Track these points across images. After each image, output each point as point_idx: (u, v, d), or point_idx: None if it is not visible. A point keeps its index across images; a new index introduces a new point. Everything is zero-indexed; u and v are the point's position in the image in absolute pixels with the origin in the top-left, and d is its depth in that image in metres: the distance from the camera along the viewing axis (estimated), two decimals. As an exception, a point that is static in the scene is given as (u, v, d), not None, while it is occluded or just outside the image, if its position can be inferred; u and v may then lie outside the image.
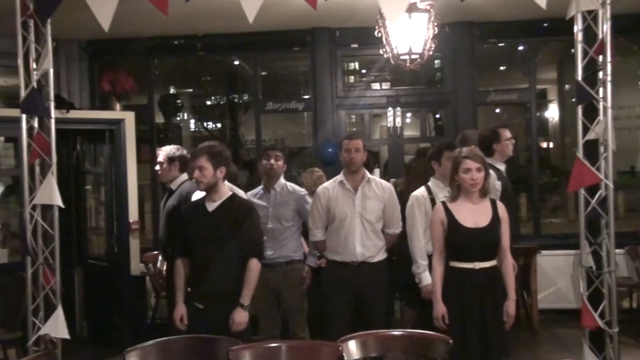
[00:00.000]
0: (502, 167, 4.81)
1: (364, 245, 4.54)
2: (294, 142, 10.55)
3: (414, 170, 5.34)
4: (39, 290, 3.99)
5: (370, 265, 4.54)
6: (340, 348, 2.92)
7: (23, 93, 3.93)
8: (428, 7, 5.28)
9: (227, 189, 4.13)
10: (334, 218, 4.60)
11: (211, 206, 3.97)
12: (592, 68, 3.81)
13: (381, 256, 4.61)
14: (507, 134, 4.84)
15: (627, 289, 6.52)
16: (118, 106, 6.86)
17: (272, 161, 4.95)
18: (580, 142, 3.83)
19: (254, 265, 3.93)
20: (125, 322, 6.35)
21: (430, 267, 4.11)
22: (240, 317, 3.86)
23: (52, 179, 3.93)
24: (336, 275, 4.59)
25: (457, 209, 3.78)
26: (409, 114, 9.25)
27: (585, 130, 3.83)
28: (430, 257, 4.11)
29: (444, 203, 3.85)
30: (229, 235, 3.91)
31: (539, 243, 6.88)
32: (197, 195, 4.25)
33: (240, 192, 4.64)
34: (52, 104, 4.01)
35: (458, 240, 3.74)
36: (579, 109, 3.86)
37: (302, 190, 5.13)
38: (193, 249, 3.97)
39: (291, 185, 5.10)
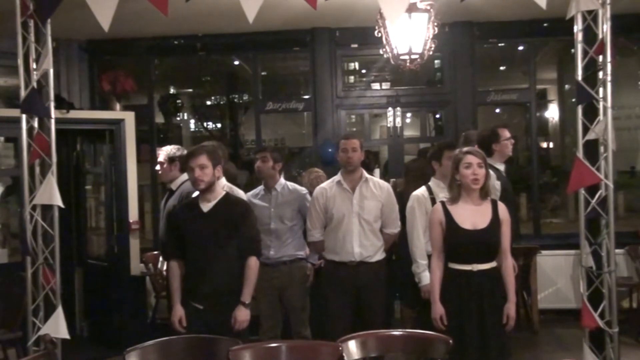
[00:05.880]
0: (501, 167, 4.81)
1: (362, 245, 4.54)
2: (294, 142, 10.57)
3: (413, 171, 5.34)
4: (39, 290, 3.98)
5: (368, 265, 4.54)
6: (340, 348, 2.92)
7: (23, 93, 3.92)
8: (428, 7, 5.28)
9: (221, 188, 4.13)
10: (331, 218, 4.60)
11: (206, 206, 3.96)
12: (592, 68, 3.81)
13: (379, 256, 4.61)
14: (506, 133, 4.84)
15: (627, 289, 6.52)
16: (118, 106, 6.87)
17: (259, 163, 4.98)
18: (580, 142, 3.83)
19: (253, 263, 3.94)
20: (125, 322, 6.35)
21: (430, 267, 4.10)
22: (243, 315, 3.86)
23: (52, 179, 3.93)
24: (335, 275, 4.60)
25: (455, 210, 3.76)
26: (409, 114, 9.26)
27: (585, 130, 3.82)
28: (430, 257, 4.10)
29: (443, 203, 3.84)
30: (227, 235, 3.91)
31: (539, 243, 6.88)
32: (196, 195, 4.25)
33: (240, 193, 4.64)
34: (52, 104, 4.00)
35: (456, 242, 3.73)
36: (579, 109, 3.86)
37: (303, 189, 5.14)
38: (190, 250, 3.95)
39: (291, 185, 5.12)
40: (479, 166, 3.71)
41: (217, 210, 3.94)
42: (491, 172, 4.07)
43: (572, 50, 3.91)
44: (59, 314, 3.93)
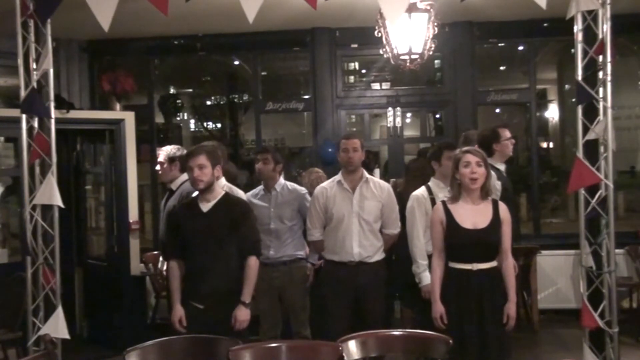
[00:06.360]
0: (502, 167, 4.81)
1: (362, 245, 4.53)
2: (294, 142, 10.56)
3: (412, 171, 5.35)
4: (39, 290, 3.98)
5: (367, 265, 4.54)
6: (340, 348, 2.92)
7: (23, 93, 3.93)
8: (428, 7, 5.28)
9: (221, 188, 4.13)
10: (331, 218, 4.60)
11: (206, 206, 3.96)
12: (592, 68, 3.81)
13: (379, 256, 4.61)
14: (506, 133, 4.84)
15: (627, 289, 6.52)
16: (118, 106, 6.87)
17: (260, 165, 4.99)
18: (580, 142, 3.83)
19: (253, 262, 3.95)
20: (125, 322, 6.35)
21: (430, 267, 4.10)
22: (243, 314, 3.87)
23: (52, 179, 3.93)
24: (334, 275, 4.60)
25: (456, 210, 3.77)
26: (409, 114, 9.26)
27: (585, 130, 3.83)
28: (430, 257, 4.11)
29: (444, 203, 3.84)
30: (227, 235, 3.91)
31: (539, 243, 6.88)
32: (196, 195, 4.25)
33: (240, 192, 4.64)
34: (52, 104, 4.01)
35: (456, 241, 3.73)
36: (579, 109, 3.86)
37: (302, 189, 5.15)
38: (190, 250, 3.96)
39: (291, 185, 5.13)
40: (477, 165, 3.71)
41: (216, 210, 3.95)
42: (492, 172, 4.07)
43: (572, 50, 3.91)
44: (59, 314, 3.93)
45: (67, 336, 3.97)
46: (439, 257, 3.80)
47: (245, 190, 5.04)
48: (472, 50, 7.44)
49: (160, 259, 6.62)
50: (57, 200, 3.95)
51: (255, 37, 7.27)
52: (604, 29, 3.73)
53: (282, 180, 5.10)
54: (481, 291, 3.69)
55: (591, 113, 3.83)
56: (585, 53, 3.80)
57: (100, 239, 7.08)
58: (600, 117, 3.79)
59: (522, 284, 6.39)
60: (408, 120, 9.52)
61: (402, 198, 4.79)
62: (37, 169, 4.00)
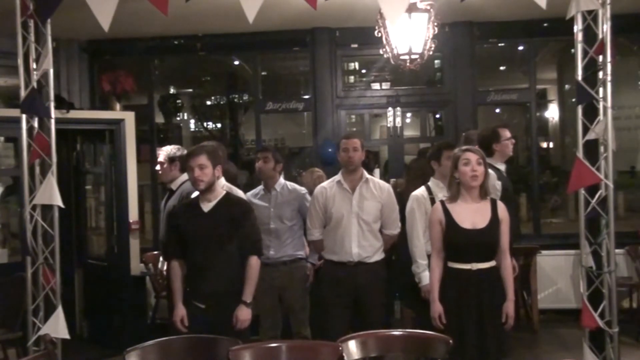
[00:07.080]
0: (502, 167, 4.81)
1: (361, 246, 4.53)
2: (294, 142, 10.56)
3: (413, 171, 5.35)
4: (39, 290, 3.99)
5: (367, 265, 4.54)
6: (340, 348, 2.92)
7: (23, 93, 3.93)
8: (428, 7, 5.29)
9: (221, 188, 4.13)
10: (331, 218, 4.60)
11: (207, 206, 3.96)
12: (592, 68, 3.81)
13: (378, 256, 4.61)
14: (506, 133, 4.84)
15: (627, 289, 6.52)
16: (118, 106, 6.87)
17: (260, 163, 5.00)
18: (580, 142, 3.84)
19: (254, 262, 3.95)
20: (125, 322, 6.35)
21: (430, 267, 4.10)
22: (244, 314, 3.87)
23: (52, 179, 3.93)
24: (333, 275, 4.60)
25: (455, 209, 3.77)
26: (409, 114, 9.26)
27: (585, 130, 3.83)
28: (430, 256, 4.10)
29: (442, 202, 3.84)
30: (228, 235, 3.92)
31: (539, 243, 6.88)
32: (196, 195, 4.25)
33: (240, 192, 4.64)
34: (52, 104, 4.01)
35: (455, 241, 3.73)
36: (579, 109, 3.87)
37: (302, 189, 5.15)
38: (191, 250, 3.96)
39: (291, 185, 5.13)
40: (477, 163, 3.71)
41: (217, 209, 3.95)
42: (492, 172, 4.07)
43: (572, 50, 3.91)
44: (59, 314, 3.93)
45: (67, 336, 3.97)
46: (438, 257, 3.80)
47: (245, 190, 5.04)
48: (472, 50, 7.44)
49: (160, 259, 6.61)
50: (57, 200, 3.95)
51: (255, 37, 7.27)
52: (604, 29, 3.73)
53: (282, 180, 5.11)
54: (480, 291, 3.69)
55: (591, 113, 3.83)
56: (585, 53, 3.80)
57: (100, 239, 7.08)
58: (600, 117, 3.79)
59: (522, 284, 6.39)
60: (408, 120, 9.52)
61: (402, 198, 4.79)
62: (37, 169, 4.01)
